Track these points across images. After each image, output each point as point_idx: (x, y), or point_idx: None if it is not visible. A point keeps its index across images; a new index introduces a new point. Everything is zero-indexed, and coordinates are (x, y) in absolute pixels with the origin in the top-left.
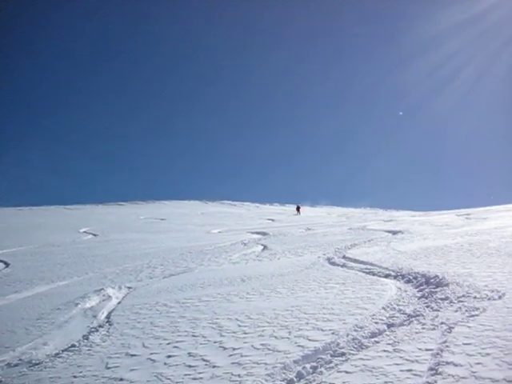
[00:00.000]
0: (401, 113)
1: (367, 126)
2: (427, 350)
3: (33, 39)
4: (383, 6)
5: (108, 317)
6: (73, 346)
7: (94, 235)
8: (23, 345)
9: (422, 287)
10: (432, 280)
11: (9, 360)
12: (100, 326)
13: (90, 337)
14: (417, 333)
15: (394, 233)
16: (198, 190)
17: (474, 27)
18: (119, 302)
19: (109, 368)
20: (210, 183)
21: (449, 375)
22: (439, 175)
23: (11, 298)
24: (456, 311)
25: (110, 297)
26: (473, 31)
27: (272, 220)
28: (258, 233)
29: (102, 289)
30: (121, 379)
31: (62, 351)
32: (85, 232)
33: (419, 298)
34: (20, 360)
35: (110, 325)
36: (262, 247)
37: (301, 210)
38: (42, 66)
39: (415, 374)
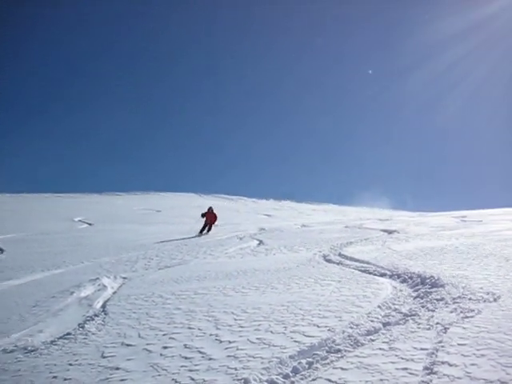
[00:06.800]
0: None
1: (366, 126)
2: (422, 349)
3: (26, 32)
4: (383, 12)
5: (103, 306)
6: (68, 334)
7: (89, 224)
8: (18, 331)
9: (417, 287)
10: (427, 280)
11: (4, 346)
12: (95, 315)
13: (86, 325)
14: (412, 332)
15: (390, 232)
16: (194, 183)
17: (475, 36)
18: (114, 292)
19: (105, 357)
20: (206, 176)
21: (444, 375)
22: (436, 177)
23: (6, 285)
24: (451, 312)
25: (105, 286)
26: (473, 40)
27: (268, 215)
28: (254, 227)
29: (98, 278)
30: (117, 368)
31: (58, 339)
32: (79, 221)
33: (415, 297)
34: (15, 346)
35: (105, 314)
36: (258, 242)
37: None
38: (37, 57)
39: (411, 373)
